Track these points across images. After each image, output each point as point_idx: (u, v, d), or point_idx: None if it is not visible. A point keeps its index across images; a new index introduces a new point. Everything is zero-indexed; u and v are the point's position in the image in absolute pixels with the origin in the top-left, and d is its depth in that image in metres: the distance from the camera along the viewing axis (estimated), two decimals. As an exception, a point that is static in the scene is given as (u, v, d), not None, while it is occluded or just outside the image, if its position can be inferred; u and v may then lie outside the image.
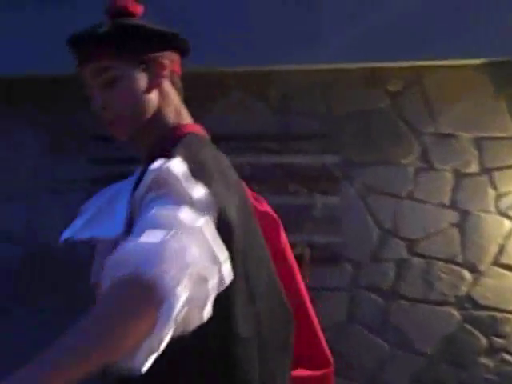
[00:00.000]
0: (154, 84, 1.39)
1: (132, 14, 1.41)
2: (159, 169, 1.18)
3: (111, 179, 3.31)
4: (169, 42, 1.43)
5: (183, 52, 1.48)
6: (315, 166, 3.88)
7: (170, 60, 1.42)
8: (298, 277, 1.53)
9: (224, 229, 1.16)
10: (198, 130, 1.42)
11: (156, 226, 1.08)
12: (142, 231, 1.10)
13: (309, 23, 3.69)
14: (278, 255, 1.45)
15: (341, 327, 3.87)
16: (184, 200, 1.12)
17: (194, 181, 1.17)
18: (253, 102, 3.91)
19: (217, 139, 3.84)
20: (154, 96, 1.40)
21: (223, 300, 1.15)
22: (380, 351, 3.91)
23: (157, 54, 1.41)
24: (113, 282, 1.06)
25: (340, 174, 3.83)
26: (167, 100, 1.41)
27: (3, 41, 3.77)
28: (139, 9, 1.44)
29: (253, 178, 3.82)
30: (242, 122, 3.85)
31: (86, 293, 2.43)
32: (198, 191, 1.15)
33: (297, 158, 3.87)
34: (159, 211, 1.11)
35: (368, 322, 3.92)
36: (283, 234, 1.48)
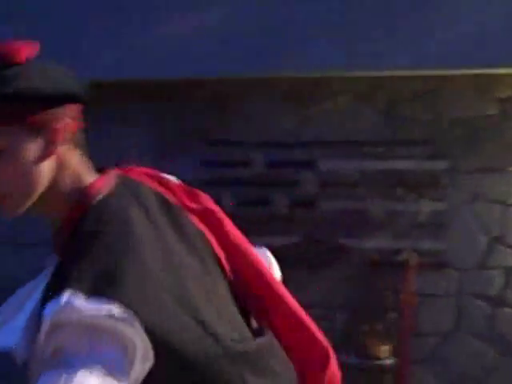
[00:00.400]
0: (46, 153, 1.20)
1: (17, 63, 1.19)
2: (57, 318, 1.07)
3: (221, 181, 3.52)
4: (61, 98, 1.22)
5: (83, 99, 1.26)
6: (422, 171, 3.97)
7: (66, 119, 1.21)
8: (263, 268, 1.39)
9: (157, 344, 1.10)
10: (105, 183, 1.25)
11: None
12: None
13: (413, 28, 3.76)
14: (231, 250, 1.37)
15: (447, 334, 3.95)
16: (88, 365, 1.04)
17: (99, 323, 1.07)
18: (360, 107, 4.00)
19: (325, 144, 3.96)
20: (47, 166, 1.22)
21: None
22: (486, 359, 3.93)
23: (46, 117, 1.21)
24: None
25: (447, 180, 3.91)
26: (64, 165, 1.23)
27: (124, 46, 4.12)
28: (27, 53, 1.20)
29: (360, 183, 4.05)
30: (349, 128, 3.97)
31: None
32: (105, 342, 1.07)
33: (404, 163, 3.98)
34: None
35: (475, 330, 3.96)
36: (230, 228, 1.39)
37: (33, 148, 1.17)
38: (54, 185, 1.22)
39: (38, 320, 1.12)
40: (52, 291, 1.11)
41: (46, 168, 1.20)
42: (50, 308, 1.06)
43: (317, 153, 4.16)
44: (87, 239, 1.16)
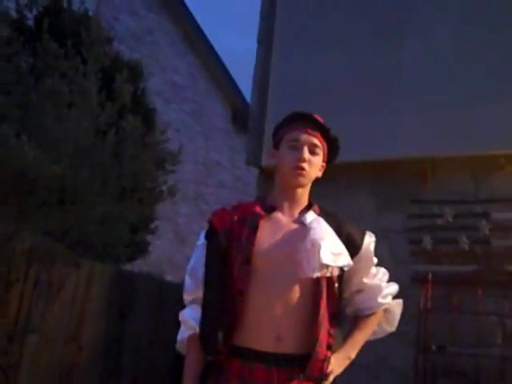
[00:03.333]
0: (320, 169, 2.41)
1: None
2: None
3: (423, 228, 4.96)
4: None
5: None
6: None
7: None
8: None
9: None
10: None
11: None
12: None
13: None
14: None
15: None
16: None
17: None
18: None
19: (496, 201, 5.03)
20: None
21: None
22: None
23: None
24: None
25: None
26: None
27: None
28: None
29: None
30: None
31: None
32: None
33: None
34: None
35: None
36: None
37: (320, 165, 2.40)
38: (309, 185, 2.42)
39: (353, 247, 2.29)
40: (355, 232, 2.36)
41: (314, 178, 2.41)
42: (369, 240, 2.38)
43: (490, 207, 5.10)
44: (339, 215, 2.44)
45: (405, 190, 5.53)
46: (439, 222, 5.28)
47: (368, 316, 2.41)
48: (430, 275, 5.08)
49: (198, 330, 2.25)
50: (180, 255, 10.21)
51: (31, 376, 4.95)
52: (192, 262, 2.38)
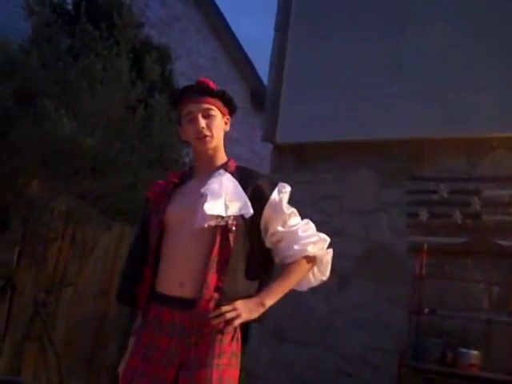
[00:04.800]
0: (225, 128, 2.38)
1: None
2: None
3: (419, 202, 4.94)
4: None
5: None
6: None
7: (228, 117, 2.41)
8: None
9: None
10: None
11: None
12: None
13: None
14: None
15: None
16: None
17: None
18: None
19: (487, 179, 4.88)
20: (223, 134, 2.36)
21: None
22: None
23: (231, 112, 2.42)
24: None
25: None
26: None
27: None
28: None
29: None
30: (504, 167, 4.96)
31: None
32: None
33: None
34: None
35: None
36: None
37: (222, 122, 2.35)
38: (220, 144, 2.37)
39: (261, 198, 2.23)
40: (263, 185, 2.27)
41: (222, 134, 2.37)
42: (278, 191, 2.27)
43: (482, 185, 5.01)
44: (253, 171, 2.36)
45: (404, 168, 5.49)
46: (435, 197, 5.22)
47: (289, 264, 2.32)
48: (425, 246, 5.05)
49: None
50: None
51: (66, 324, 5.00)
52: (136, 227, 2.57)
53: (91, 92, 4.57)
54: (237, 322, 2.18)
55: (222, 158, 2.41)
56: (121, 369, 2.30)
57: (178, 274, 2.21)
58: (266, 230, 2.30)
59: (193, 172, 2.42)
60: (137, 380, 2.16)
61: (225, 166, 2.36)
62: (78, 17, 5.43)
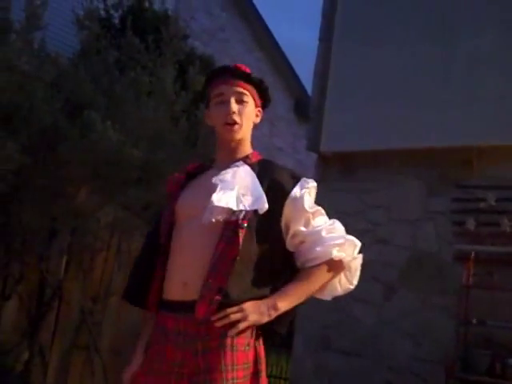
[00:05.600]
0: (256, 120, 2.16)
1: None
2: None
3: (466, 211, 4.89)
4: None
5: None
6: None
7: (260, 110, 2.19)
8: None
9: None
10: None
11: None
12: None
13: None
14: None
15: None
16: None
17: None
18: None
19: None
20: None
21: None
22: None
23: (264, 103, 2.20)
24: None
25: None
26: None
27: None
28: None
29: None
30: None
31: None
32: None
33: None
34: None
35: None
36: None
37: (254, 112, 2.14)
38: (248, 136, 2.14)
39: (280, 193, 2.00)
40: (283, 179, 2.04)
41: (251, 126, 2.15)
42: (300, 187, 2.02)
43: None
44: (275, 163, 2.12)
45: (451, 176, 5.44)
46: (482, 205, 5.16)
47: (310, 268, 2.03)
48: (472, 254, 4.97)
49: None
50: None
51: (112, 334, 5.06)
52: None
53: (137, 104, 4.65)
54: (243, 325, 1.90)
55: (245, 151, 2.15)
56: (126, 380, 2.11)
57: (181, 274, 1.97)
58: (287, 230, 2.04)
59: (213, 163, 2.18)
60: None
61: (245, 159, 2.11)
62: (125, 30, 5.54)
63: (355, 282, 2.13)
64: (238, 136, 2.10)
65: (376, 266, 5.62)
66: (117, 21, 6.66)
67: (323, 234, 2.04)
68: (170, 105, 4.83)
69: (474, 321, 4.80)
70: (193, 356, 1.90)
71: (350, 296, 5.83)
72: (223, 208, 1.91)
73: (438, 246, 5.41)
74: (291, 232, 2.04)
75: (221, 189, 1.94)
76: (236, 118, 2.06)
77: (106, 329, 5.00)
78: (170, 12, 6.89)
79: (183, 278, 1.97)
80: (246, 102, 2.10)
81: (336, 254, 2.02)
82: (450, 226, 5.37)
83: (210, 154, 5.54)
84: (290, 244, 2.06)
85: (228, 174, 2.00)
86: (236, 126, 2.07)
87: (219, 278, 1.90)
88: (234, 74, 2.10)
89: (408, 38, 5.79)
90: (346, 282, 2.12)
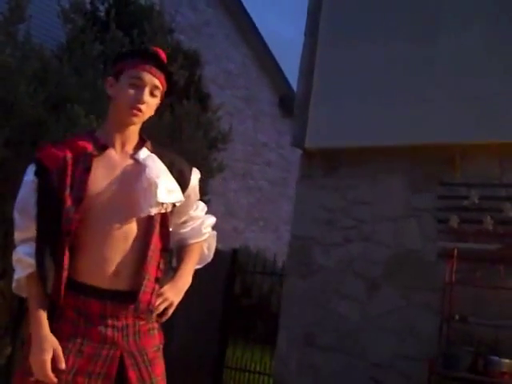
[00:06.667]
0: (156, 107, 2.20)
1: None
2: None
3: (450, 208, 4.90)
4: None
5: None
6: None
7: None
8: None
9: None
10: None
11: None
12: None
13: None
14: None
15: None
16: None
17: None
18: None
19: None
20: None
21: None
22: None
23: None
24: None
25: None
26: None
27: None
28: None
29: None
30: None
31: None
32: None
33: None
34: None
35: None
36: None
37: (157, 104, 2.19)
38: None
39: (183, 183, 2.17)
40: (185, 169, 2.22)
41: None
42: (195, 176, 2.26)
43: None
44: (167, 150, 2.26)
45: (435, 173, 5.45)
46: (466, 203, 5.15)
47: (192, 245, 2.34)
48: (455, 252, 5.00)
49: (34, 268, 2.04)
50: (229, 226, 10.26)
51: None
52: (20, 198, 2.10)
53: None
54: (171, 311, 2.18)
55: (137, 136, 2.22)
56: (43, 368, 1.97)
57: (110, 264, 2.03)
58: (177, 213, 2.26)
59: (106, 142, 2.16)
60: (80, 381, 1.99)
61: (145, 145, 2.21)
62: (110, 24, 5.51)
63: (212, 254, 2.45)
64: (138, 123, 2.16)
65: (360, 263, 5.64)
66: (102, 14, 6.61)
67: (205, 217, 2.39)
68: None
69: (457, 318, 4.83)
70: (122, 339, 2.05)
71: (334, 293, 5.89)
72: (159, 202, 2.06)
73: (422, 243, 5.43)
74: (181, 214, 2.29)
75: (158, 184, 2.06)
76: (143, 107, 2.10)
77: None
78: (155, 6, 6.84)
79: (113, 268, 2.04)
80: (156, 96, 2.16)
81: (210, 231, 2.40)
82: (433, 223, 5.38)
83: (194, 148, 5.51)
84: (173, 223, 2.27)
85: (154, 170, 2.11)
86: (140, 114, 2.11)
87: (154, 269, 2.11)
88: (156, 63, 2.15)
89: (394, 34, 5.78)
90: (208, 255, 2.44)
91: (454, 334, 4.89)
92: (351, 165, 5.97)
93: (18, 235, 2.10)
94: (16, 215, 2.10)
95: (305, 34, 6.58)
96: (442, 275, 5.03)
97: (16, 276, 2.09)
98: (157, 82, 2.14)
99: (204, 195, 6.71)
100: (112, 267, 2.04)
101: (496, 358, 4.53)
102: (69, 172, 2.05)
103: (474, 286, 4.94)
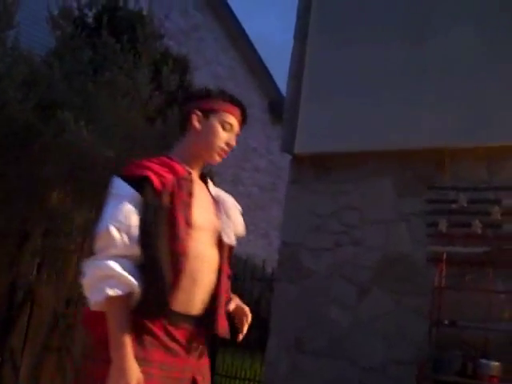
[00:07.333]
0: None
1: None
2: None
3: (439, 212, 4.94)
4: None
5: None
6: None
7: None
8: None
9: None
10: None
11: None
12: None
13: None
14: None
15: None
16: None
17: None
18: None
19: (507, 188, 4.84)
20: None
21: None
22: None
23: None
24: None
25: None
26: None
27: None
28: None
29: None
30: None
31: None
32: None
33: None
34: None
35: None
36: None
37: None
38: None
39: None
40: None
41: None
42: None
43: (502, 194, 5.00)
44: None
45: (424, 177, 5.47)
46: (454, 206, 5.19)
47: None
48: (444, 255, 5.04)
49: (136, 288, 1.93)
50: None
51: (85, 336, 5.01)
52: (118, 213, 1.99)
53: (111, 104, 4.63)
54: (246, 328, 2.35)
55: None
56: None
57: (201, 292, 2.08)
58: None
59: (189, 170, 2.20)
60: None
61: (207, 178, 2.36)
62: (100, 29, 5.52)
63: None
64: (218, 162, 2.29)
65: (350, 268, 5.67)
66: (91, 20, 6.62)
67: None
68: (144, 105, 4.82)
69: (446, 322, 4.86)
70: (196, 361, 2.10)
71: (324, 297, 5.89)
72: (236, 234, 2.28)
73: (411, 247, 5.46)
74: None
75: (237, 218, 2.30)
76: (227, 152, 2.25)
77: (79, 331, 4.96)
78: (144, 11, 6.86)
79: (202, 296, 2.10)
80: (233, 145, 2.27)
81: None
82: (422, 227, 5.40)
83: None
84: None
85: (229, 203, 2.31)
86: (224, 156, 2.25)
87: (225, 294, 2.22)
88: (243, 116, 2.30)
89: (384, 37, 5.81)
90: None
91: (444, 338, 4.92)
92: (341, 169, 6.00)
93: (111, 251, 1.96)
94: (112, 230, 1.96)
95: (294, 38, 6.60)
96: (432, 279, 5.06)
97: (110, 292, 1.91)
98: (238, 132, 2.28)
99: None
100: (201, 293, 2.09)
101: (485, 361, 4.56)
102: (179, 194, 2.07)
103: (462, 289, 4.97)
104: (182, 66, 6.85)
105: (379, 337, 5.41)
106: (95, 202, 4.61)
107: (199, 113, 2.22)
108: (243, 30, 11.54)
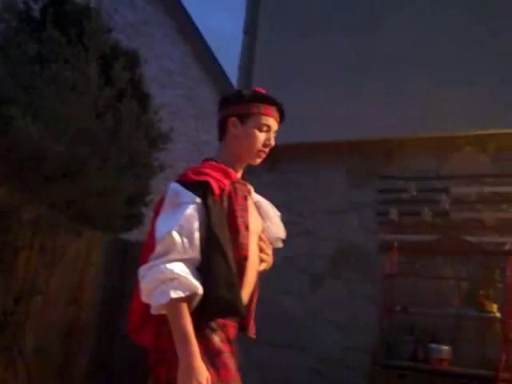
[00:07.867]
0: None
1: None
2: None
3: (390, 201, 5.03)
4: None
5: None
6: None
7: None
8: None
9: None
10: None
11: None
12: None
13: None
14: None
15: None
16: None
17: None
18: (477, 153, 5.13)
19: (455, 177, 4.92)
20: None
21: None
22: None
23: None
24: None
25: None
26: None
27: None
28: None
29: (478, 201, 4.97)
30: (469, 166, 5.10)
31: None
32: None
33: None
34: None
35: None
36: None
37: None
38: None
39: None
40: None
41: None
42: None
43: (450, 183, 5.12)
44: None
45: (374, 167, 5.57)
46: (404, 196, 5.32)
47: None
48: (395, 244, 5.13)
49: (200, 290, 1.98)
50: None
51: (36, 334, 4.95)
52: (179, 219, 2.03)
53: (59, 99, 4.57)
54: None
55: None
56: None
57: (246, 293, 2.18)
58: None
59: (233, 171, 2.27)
60: None
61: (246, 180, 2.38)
62: (45, 23, 5.42)
63: None
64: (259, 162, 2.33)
65: (302, 258, 5.73)
66: (37, 13, 6.49)
67: None
68: (93, 100, 4.77)
69: (398, 308, 4.96)
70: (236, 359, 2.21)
71: (277, 288, 5.93)
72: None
73: (363, 236, 5.55)
74: None
75: (277, 221, 2.42)
76: (267, 150, 2.28)
77: (29, 329, 4.89)
78: (92, 4, 6.76)
79: (248, 294, 2.20)
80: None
81: None
82: (374, 216, 5.50)
83: (135, 148, 5.47)
84: None
85: (267, 207, 2.41)
86: (264, 156, 2.30)
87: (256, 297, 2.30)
88: (280, 115, 2.31)
89: (333, 29, 5.88)
90: None
91: (396, 324, 5.02)
92: (291, 161, 6.05)
93: (173, 255, 1.99)
94: (175, 235, 2.00)
95: (244, 32, 6.62)
96: (384, 267, 5.15)
97: (174, 295, 1.94)
98: (277, 126, 2.29)
99: (146, 195, 6.75)
100: (246, 295, 2.17)
101: (435, 346, 4.68)
102: (236, 198, 2.14)
103: (413, 276, 5.08)
104: (132, 60, 6.79)
105: (333, 325, 5.49)
106: (45, 198, 4.55)
107: (235, 118, 2.25)
108: (194, 24, 11.49)
